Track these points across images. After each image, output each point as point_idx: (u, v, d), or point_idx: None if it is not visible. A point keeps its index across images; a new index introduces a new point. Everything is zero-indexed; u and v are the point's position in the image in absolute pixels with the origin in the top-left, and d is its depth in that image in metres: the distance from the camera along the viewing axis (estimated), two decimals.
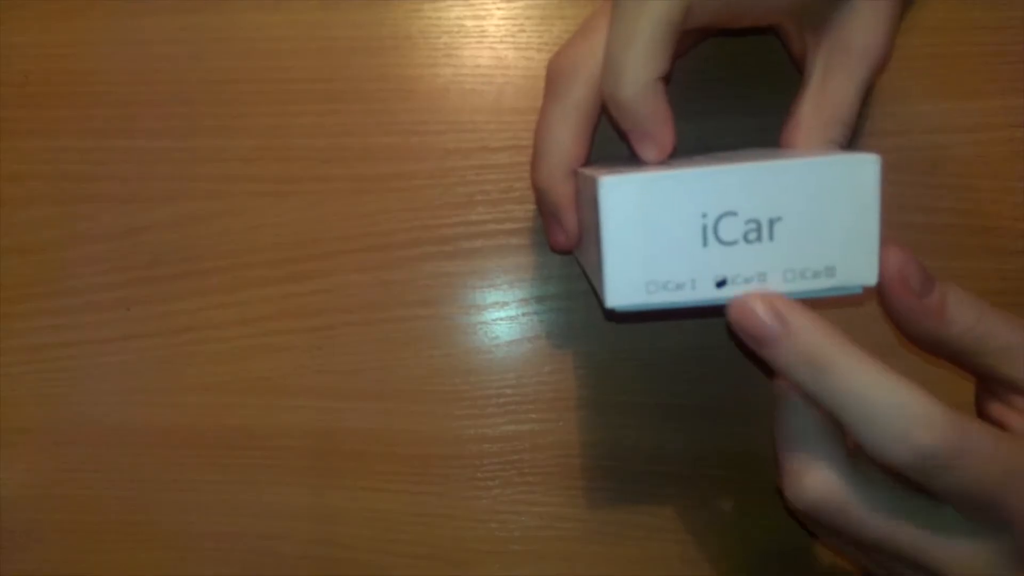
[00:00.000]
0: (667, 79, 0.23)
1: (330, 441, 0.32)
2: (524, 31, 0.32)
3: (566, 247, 0.28)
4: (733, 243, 0.21)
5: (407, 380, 0.32)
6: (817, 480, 0.23)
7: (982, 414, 0.26)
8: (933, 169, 0.31)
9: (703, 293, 0.22)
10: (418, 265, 0.32)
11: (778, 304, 0.21)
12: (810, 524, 0.25)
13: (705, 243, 0.21)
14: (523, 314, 0.32)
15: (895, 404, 0.20)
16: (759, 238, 0.21)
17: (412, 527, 0.32)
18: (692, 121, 0.31)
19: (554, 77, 0.26)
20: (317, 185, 0.32)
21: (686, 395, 0.31)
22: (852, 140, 0.30)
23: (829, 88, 0.26)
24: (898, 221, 0.31)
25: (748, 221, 0.21)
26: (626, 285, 0.22)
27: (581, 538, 0.32)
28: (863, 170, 0.21)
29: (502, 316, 0.32)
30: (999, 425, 0.25)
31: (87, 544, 0.33)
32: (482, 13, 0.32)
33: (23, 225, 0.33)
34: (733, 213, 0.21)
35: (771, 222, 0.21)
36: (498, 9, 0.32)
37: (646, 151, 0.24)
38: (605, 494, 0.32)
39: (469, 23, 0.32)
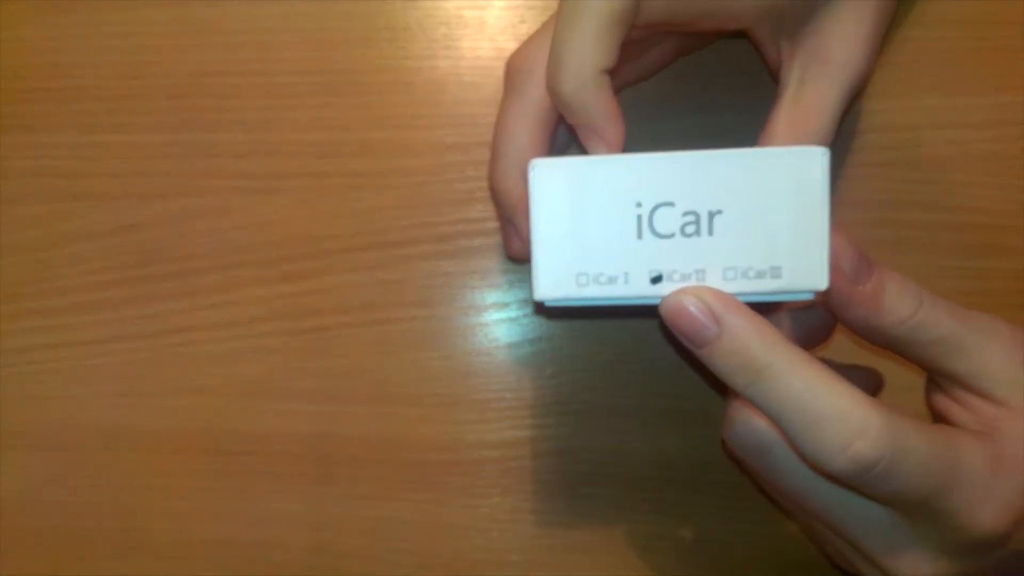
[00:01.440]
0: (614, 73, 0.23)
1: (325, 446, 0.32)
2: (525, 22, 0.32)
3: (521, 254, 0.26)
4: (669, 236, 0.21)
5: (404, 383, 0.32)
6: (748, 424, 0.23)
7: (929, 406, 0.26)
8: (941, 166, 0.31)
9: (636, 289, 0.21)
10: (415, 264, 0.32)
11: (712, 302, 0.20)
12: (746, 469, 0.26)
13: (640, 235, 0.21)
14: (524, 315, 0.32)
15: (833, 412, 0.20)
16: (698, 232, 0.21)
17: (410, 536, 0.32)
18: (690, 116, 0.31)
19: (511, 74, 0.26)
20: (311, 181, 0.32)
21: (690, 399, 0.31)
22: (855, 137, 0.30)
23: (804, 100, 0.25)
24: (905, 219, 0.31)
25: (686, 213, 0.21)
26: (555, 276, 0.21)
27: (583, 547, 0.31)
28: (809, 164, 0.20)
29: (502, 317, 0.32)
30: (943, 418, 0.24)
31: (77, 550, 0.32)
32: (482, 3, 0.32)
33: (9, 223, 0.33)
34: (670, 204, 0.21)
35: (711, 215, 0.21)
36: None
37: (594, 147, 0.23)
38: (608, 501, 0.31)
39: (468, 13, 0.32)
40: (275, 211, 0.32)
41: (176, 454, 0.32)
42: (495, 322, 0.32)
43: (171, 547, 0.32)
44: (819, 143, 0.24)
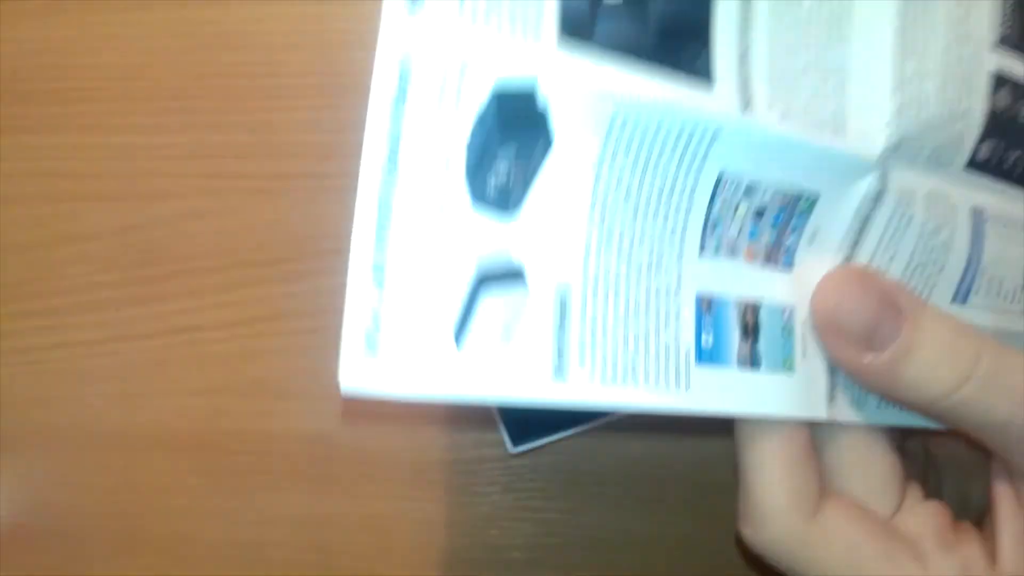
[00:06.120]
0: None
1: (325, 446, 0.31)
2: None
3: None
4: None
5: None
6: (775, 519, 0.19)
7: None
8: None
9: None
10: None
11: (888, 286, 0.17)
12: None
13: None
14: None
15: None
16: None
17: (410, 534, 0.31)
18: None
19: None
20: (313, 182, 0.32)
21: None
22: None
23: None
24: None
25: None
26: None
27: (584, 546, 0.31)
28: None
29: None
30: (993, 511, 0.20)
31: (78, 550, 0.32)
32: None
33: (11, 223, 0.32)
34: None
35: None
36: None
37: None
38: (609, 500, 0.31)
39: None
40: (276, 212, 0.32)
41: (177, 454, 0.32)
42: None
43: (171, 546, 0.32)
44: None
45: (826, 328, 0.18)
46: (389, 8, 0.14)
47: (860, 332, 0.17)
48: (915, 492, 0.20)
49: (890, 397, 0.18)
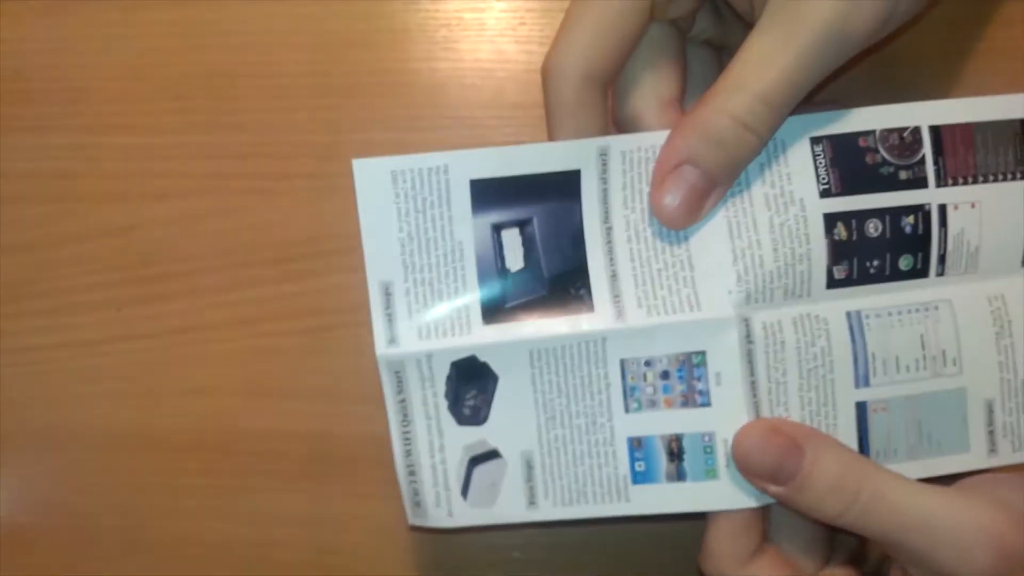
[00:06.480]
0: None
1: (326, 446, 0.31)
2: (525, 24, 0.32)
3: None
4: None
5: None
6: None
7: None
8: None
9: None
10: None
11: (787, 429, 0.22)
12: None
13: None
14: None
15: (967, 520, 0.21)
16: None
17: (410, 534, 0.31)
18: None
19: None
20: (313, 182, 0.32)
21: None
22: None
23: (755, 44, 0.21)
24: None
25: None
26: None
27: (584, 545, 0.31)
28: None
29: None
30: None
31: (79, 550, 0.32)
32: (481, 6, 0.32)
33: (11, 223, 0.32)
34: None
35: None
36: (498, 1, 0.32)
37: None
38: None
39: (468, 16, 0.32)
40: (276, 212, 0.32)
41: (177, 453, 0.32)
42: None
43: (172, 546, 0.32)
44: (756, 100, 0.21)
45: (741, 468, 0.23)
46: (379, 344, 0.24)
47: (765, 473, 0.22)
48: (840, 557, 0.26)
49: (794, 508, 0.23)
